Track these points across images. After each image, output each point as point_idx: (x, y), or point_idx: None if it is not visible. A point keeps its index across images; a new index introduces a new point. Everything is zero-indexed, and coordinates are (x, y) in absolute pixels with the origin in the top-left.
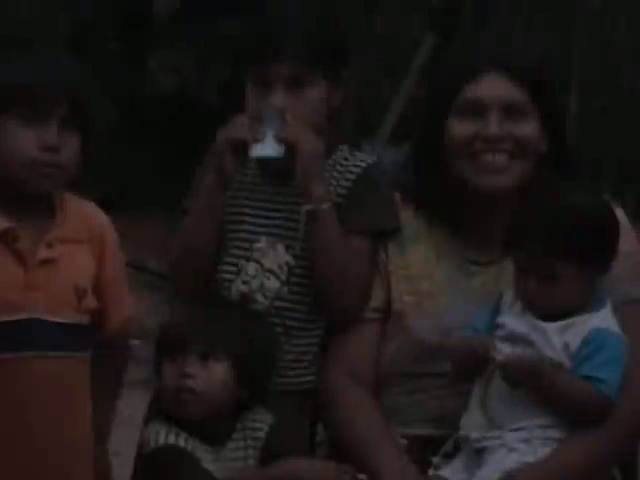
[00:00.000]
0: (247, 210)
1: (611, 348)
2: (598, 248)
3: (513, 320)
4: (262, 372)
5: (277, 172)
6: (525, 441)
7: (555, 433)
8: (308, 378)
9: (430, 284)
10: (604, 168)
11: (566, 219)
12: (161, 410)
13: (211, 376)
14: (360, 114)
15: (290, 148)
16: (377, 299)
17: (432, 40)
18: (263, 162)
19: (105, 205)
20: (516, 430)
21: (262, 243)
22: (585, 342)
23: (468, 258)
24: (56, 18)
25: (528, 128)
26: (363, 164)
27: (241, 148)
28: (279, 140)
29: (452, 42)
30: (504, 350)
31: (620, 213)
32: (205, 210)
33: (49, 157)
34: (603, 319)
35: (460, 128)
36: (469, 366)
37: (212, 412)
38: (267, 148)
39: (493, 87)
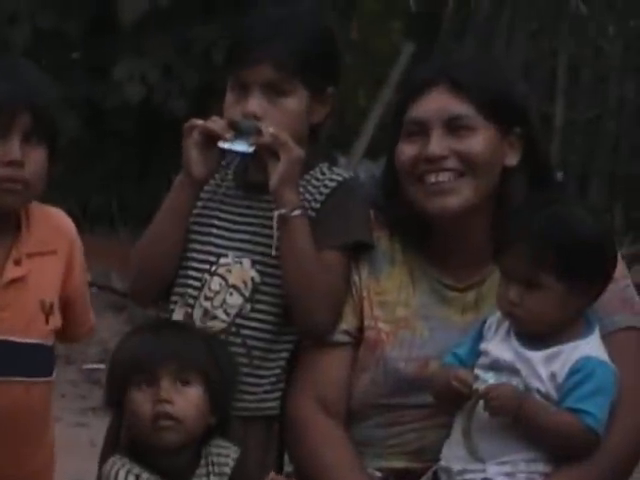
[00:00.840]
0: (216, 222)
1: (599, 378)
2: (591, 269)
3: (497, 347)
4: (229, 397)
5: (253, 184)
6: (509, 475)
7: (540, 467)
8: (270, 404)
9: (406, 311)
10: (591, 182)
11: (562, 229)
12: (120, 443)
13: (188, 401)
14: (336, 125)
15: (265, 155)
16: (348, 322)
17: (411, 48)
18: (240, 173)
19: None
20: (500, 464)
21: (229, 258)
22: (572, 371)
23: (444, 284)
24: (14, 25)
25: (476, 143)
26: (339, 178)
27: (211, 146)
28: (259, 141)
29: (432, 51)
30: (488, 379)
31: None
32: (171, 209)
33: (12, 172)
34: (592, 347)
35: (405, 150)
36: (450, 398)
37: (189, 440)
38: (237, 144)
39: (435, 103)
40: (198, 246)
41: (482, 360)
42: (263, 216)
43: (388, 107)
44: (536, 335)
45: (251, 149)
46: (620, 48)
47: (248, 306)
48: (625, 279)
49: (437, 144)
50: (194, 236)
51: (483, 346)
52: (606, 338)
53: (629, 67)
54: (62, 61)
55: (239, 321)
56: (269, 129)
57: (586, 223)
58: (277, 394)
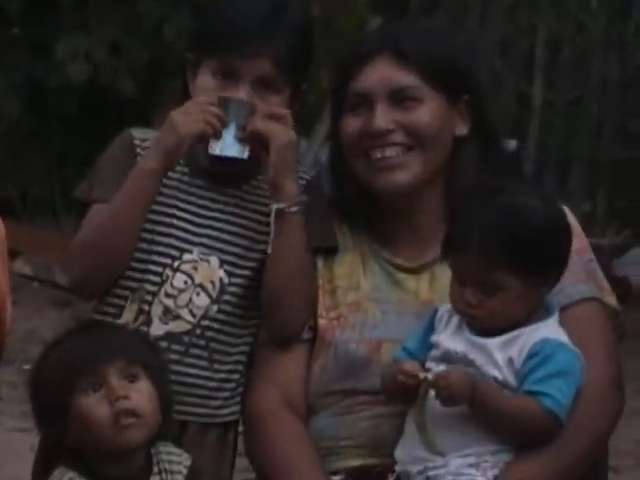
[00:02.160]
0: (177, 213)
1: (559, 360)
2: (549, 260)
3: (449, 338)
4: (171, 393)
5: (216, 174)
6: (473, 465)
7: (506, 457)
8: (232, 409)
9: (357, 295)
10: (572, 167)
11: (514, 225)
12: (63, 454)
13: (142, 395)
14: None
15: (255, 145)
16: (310, 317)
17: (378, 24)
18: (216, 160)
19: (7, 211)
20: (463, 456)
21: (194, 254)
22: (530, 355)
23: (395, 264)
24: None
25: (423, 115)
26: (306, 176)
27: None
28: (243, 134)
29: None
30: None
31: (565, 210)
32: (134, 200)
33: None
34: (551, 329)
35: (349, 125)
36: (400, 394)
37: (150, 438)
38: (229, 147)
39: (378, 74)
40: (158, 238)
41: (433, 353)
42: (230, 212)
43: None
44: (498, 329)
45: (246, 155)
46: (603, 23)
47: (215, 307)
48: (588, 253)
49: (382, 117)
50: (152, 226)
51: (434, 338)
52: (570, 308)
53: (612, 43)
54: (0, 39)
55: (204, 323)
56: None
57: (538, 213)
58: (238, 399)
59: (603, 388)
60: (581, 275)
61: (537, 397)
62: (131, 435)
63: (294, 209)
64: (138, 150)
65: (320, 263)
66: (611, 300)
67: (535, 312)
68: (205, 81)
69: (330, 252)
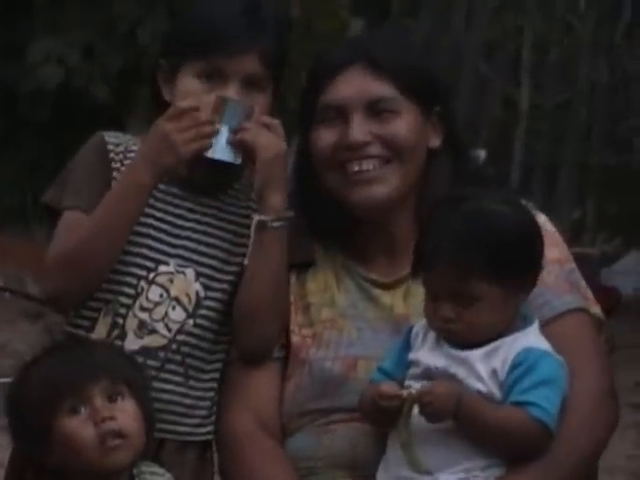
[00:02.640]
0: (153, 222)
1: (543, 369)
2: (522, 264)
3: (427, 355)
4: (153, 412)
5: (193, 183)
6: None
7: (496, 472)
8: (210, 428)
9: (331, 311)
10: (560, 172)
11: (483, 232)
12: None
13: (128, 415)
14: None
15: (244, 152)
16: (282, 335)
17: (359, 26)
18: (208, 161)
19: None
20: (451, 474)
21: (170, 266)
22: (514, 365)
23: (370, 280)
24: None
25: (401, 127)
26: None
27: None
28: (236, 138)
29: (382, 29)
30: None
31: (543, 219)
32: (120, 216)
33: None
34: (532, 337)
35: (323, 137)
36: (381, 418)
37: (137, 458)
38: (222, 151)
39: (353, 85)
40: (133, 249)
41: (413, 370)
42: (207, 222)
43: None
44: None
45: (238, 161)
46: (591, 24)
47: (191, 322)
48: (570, 263)
49: (359, 130)
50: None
51: (412, 356)
52: (557, 320)
53: (601, 45)
54: None
55: (180, 337)
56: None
57: (506, 217)
58: (214, 417)
59: (596, 400)
60: (564, 286)
61: (525, 407)
62: (118, 457)
63: (276, 224)
64: (112, 155)
65: (293, 279)
66: (596, 310)
67: (514, 321)
68: (189, 84)
69: (303, 267)
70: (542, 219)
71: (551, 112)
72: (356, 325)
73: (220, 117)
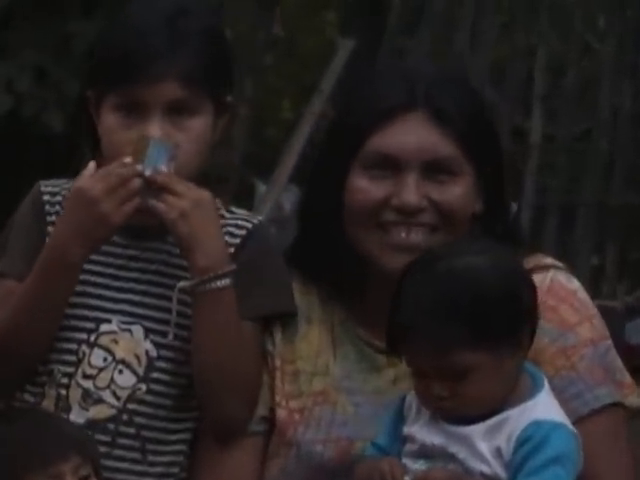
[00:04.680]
0: (92, 279)
1: (555, 444)
2: (510, 321)
3: (423, 430)
4: None
5: (132, 227)
6: None
7: None
8: None
9: (324, 382)
10: (577, 214)
11: (456, 296)
12: None
13: None
14: (253, 143)
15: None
16: (263, 405)
17: (349, 46)
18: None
19: None
20: None
21: (113, 324)
22: (520, 442)
23: (374, 346)
24: None
25: (458, 193)
26: (247, 225)
27: None
28: (152, 182)
29: (375, 50)
30: (418, 468)
31: (576, 284)
32: (63, 287)
33: None
34: (541, 408)
35: (367, 189)
36: None
37: None
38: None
39: (414, 136)
40: (71, 310)
41: (409, 447)
42: (153, 271)
43: (320, 120)
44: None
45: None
46: (613, 44)
47: (143, 387)
48: (605, 339)
49: (415, 192)
50: None
51: (406, 430)
52: (591, 418)
53: (624, 67)
54: None
55: (131, 406)
56: (170, 168)
57: (482, 272)
58: None
59: None
60: (598, 374)
61: None
62: None
63: (203, 288)
64: (47, 208)
65: (278, 336)
66: (632, 400)
67: (518, 387)
68: (109, 121)
69: (289, 322)
70: (575, 285)
71: (567, 145)
72: (352, 400)
73: (142, 157)
